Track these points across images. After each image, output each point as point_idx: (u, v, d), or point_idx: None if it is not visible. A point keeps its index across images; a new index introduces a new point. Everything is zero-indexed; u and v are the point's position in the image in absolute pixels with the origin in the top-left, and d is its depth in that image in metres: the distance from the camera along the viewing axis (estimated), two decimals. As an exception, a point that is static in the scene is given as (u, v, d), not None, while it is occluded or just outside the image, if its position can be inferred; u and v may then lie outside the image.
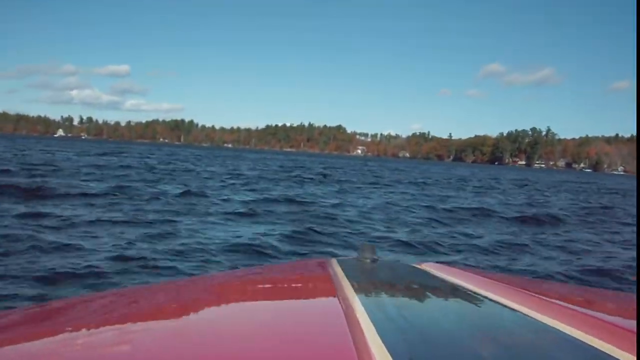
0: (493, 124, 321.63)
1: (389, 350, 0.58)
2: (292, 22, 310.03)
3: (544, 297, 0.90)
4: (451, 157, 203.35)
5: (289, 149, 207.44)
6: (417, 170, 49.53)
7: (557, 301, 0.88)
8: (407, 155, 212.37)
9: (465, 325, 0.76)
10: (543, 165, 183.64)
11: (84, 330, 0.71)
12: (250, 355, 0.57)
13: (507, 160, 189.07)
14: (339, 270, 1.14)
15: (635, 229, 10.35)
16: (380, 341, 0.61)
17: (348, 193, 15.07)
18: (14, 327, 0.75)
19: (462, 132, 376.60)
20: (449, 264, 1.51)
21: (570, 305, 0.84)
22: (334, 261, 1.29)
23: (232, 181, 16.86)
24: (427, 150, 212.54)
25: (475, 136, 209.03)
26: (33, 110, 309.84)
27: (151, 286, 1.24)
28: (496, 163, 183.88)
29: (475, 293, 0.97)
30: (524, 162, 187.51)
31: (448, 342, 0.66)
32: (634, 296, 0.97)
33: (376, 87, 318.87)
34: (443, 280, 1.14)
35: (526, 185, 29.90)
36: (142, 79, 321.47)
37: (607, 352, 0.62)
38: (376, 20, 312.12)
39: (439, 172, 44.87)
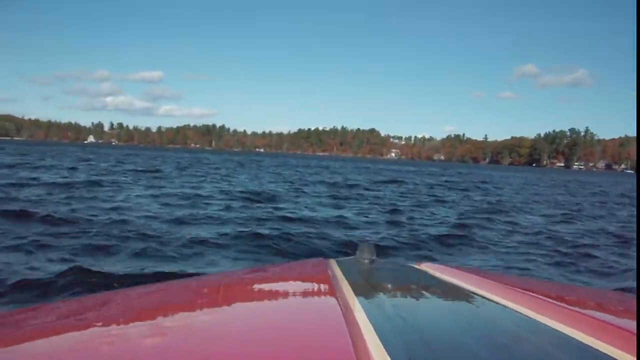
0: (528, 126, 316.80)
1: (387, 351, 0.58)
2: (324, 25, 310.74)
3: (542, 297, 0.90)
4: (487, 160, 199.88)
5: (321, 153, 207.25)
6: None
7: (555, 301, 0.87)
8: (442, 157, 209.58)
9: (463, 325, 0.75)
10: (582, 167, 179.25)
11: (87, 330, 0.71)
12: (249, 355, 0.56)
13: (545, 162, 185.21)
14: (337, 271, 1.14)
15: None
16: (378, 341, 0.62)
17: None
18: (17, 327, 0.75)
19: (497, 133, 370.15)
20: (446, 264, 1.51)
21: (569, 306, 0.84)
22: (332, 262, 1.29)
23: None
24: (462, 152, 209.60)
25: (512, 138, 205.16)
26: (68, 117, 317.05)
27: (150, 287, 1.27)
28: (534, 165, 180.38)
29: (472, 293, 0.97)
30: (562, 164, 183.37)
31: (446, 342, 0.66)
32: (634, 296, 0.97)
33: (409, 90, 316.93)
34: (441, 280, 1.14)
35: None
36: (175, 85, 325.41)
37: (606, 352, 0.62)
38: (407, 22, 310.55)
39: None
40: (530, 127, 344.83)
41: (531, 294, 0.92)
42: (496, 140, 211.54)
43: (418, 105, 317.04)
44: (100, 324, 0.76)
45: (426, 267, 1.35)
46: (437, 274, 1.22)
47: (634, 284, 4.78)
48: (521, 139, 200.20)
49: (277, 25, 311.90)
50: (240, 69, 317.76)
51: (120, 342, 0.65)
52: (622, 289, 4.49)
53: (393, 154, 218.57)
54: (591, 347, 0.64)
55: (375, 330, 0.66)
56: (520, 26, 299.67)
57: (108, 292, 0.97)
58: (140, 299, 0.97)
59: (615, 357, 0.60)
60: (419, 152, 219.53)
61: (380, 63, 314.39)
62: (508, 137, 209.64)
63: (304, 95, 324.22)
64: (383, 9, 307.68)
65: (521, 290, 0.95)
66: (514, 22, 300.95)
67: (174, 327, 0.72)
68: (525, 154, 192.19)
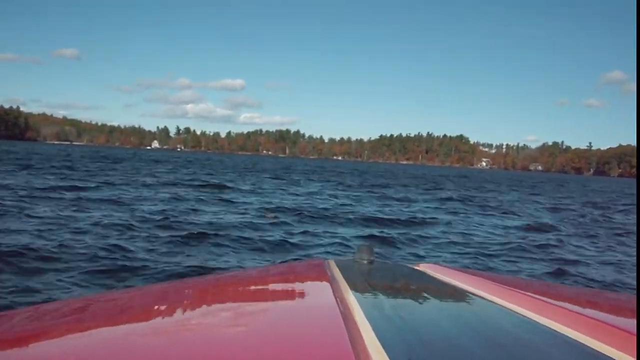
0: (625, 133, 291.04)
1: (386, 351, 0.58)
2: (409, 29, 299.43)
3: (541, 298, 0.89)
4: (592, 171, 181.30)
5: (405, 162, 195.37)
6: None
7: (554, 302, 0.87)
8: (540, 168, 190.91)
9: (462, 326, 0.75)
10: None
11: (83, 331, 0.71)
12: (248, 356, 0.56)
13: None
14: (336, 271, 1.15)
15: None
16: (377, 342, 0.62)
17: None
18: (14, 328, 0.76)
19: (594, 141, 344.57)
20: (445, 264, 1.49)
21: (568, 306, 0.83)
22: (331, 262, 1.30)
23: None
24: (562, 162, 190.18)
25: (619, 145, 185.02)
26: (149, 125, 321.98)
27: (150, 287, 1.21)
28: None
29: (471, 293, 0.97)
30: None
31: (445, 342, 0.66)
32: (634, 297, 0.96)
33: (492, 97, 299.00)
34: (440, 281, 1.14)
35: None
36: (256, 93, 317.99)
37: (606, 353, 0.62)
38: (493, 27, 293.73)
39: None
40: (629, 134, 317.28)
41: (530, 294, 0.92)
42: (599, 149, 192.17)
43: (498, 113, 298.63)
44: (97, 324, 0.77)
45: (425, 267, 1.36)
46: (436, 275, 1.22)
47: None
48: (632, 147, 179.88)
49: (357, 30, 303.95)
50: (321, 76, 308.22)
51: (117, 343, 0.65)
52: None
53: (484, 163, 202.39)
54: (591, 347, 0.64)
55: (374, 330, 0.66)
56: (606, 31, 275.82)
57: (107, 292, 0.90)
58: (139, 299, 0.97)
59: (615, 358, 0.60)
60: (512, 161, 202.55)
61: (464, 67, 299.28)
62: (614, 144, 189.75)
63: (386, 99, 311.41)
64: (465, 12, 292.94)
65: (520, 291, 0.95)
66: (598, 29, 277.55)
67: (172, 328, 0.72)
68: None
